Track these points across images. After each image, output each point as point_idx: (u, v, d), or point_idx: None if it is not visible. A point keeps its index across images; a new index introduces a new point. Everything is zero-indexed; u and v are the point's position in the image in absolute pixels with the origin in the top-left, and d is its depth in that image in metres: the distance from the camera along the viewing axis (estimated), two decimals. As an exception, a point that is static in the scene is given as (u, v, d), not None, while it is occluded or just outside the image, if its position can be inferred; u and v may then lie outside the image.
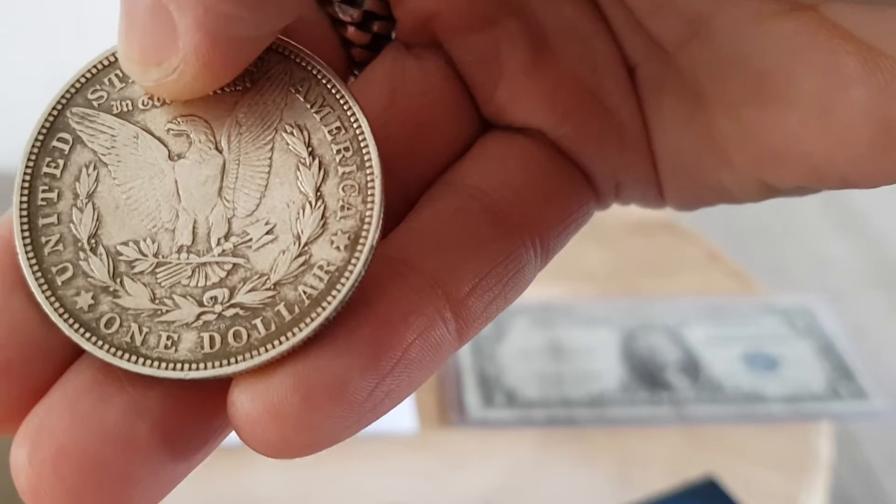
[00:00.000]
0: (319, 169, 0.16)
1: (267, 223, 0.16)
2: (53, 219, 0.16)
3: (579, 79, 0.19)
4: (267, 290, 0.16)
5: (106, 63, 0.17)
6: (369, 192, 0.16)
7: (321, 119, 0.17)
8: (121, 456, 0.15)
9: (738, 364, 0.66)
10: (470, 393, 0.63)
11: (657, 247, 0.79)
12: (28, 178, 0.16)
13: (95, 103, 0.17)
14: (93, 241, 0.16)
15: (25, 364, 0.15)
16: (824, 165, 0.17)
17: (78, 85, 0.17)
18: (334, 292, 0.16)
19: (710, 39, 0.18)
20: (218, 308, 0.16)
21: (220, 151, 0.17)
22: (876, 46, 0.16)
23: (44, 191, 0.16)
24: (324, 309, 0.15)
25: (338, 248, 0.16)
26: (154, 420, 0.15)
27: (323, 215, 0.16)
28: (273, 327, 0.15)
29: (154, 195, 0.16)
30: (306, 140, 0.17)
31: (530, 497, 0.58)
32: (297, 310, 0.16)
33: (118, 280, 0.16)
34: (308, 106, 0.17)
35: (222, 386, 0.15)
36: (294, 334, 0.15)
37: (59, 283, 0.16)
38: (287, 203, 0.16)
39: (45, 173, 0.16)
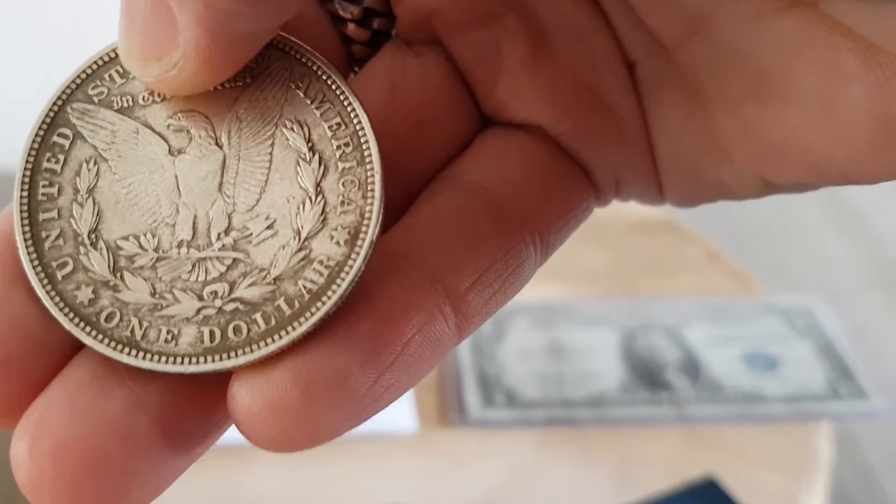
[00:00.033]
0: (319, 164, 0.17)
1: (267, 218, 0.16)
2: (54, 213, 0.16)
3: (579, 75, 0.19)
4: (267, 284, 0.16)
5: (106, 59, 0.17)
6: (369, 188, 0.16)
7: (321, 115, 0.17)
8: (121, 449, 0.15)
9: (738, 364, 0.66)
10: (470, 393, 0.63)
11: (657, 247, 0.79)
12: (28, 173, 0.16)
13: (96, 99, 0.17)
14: (93, 235, 0.16)
15: (26, 358, 0.15)
16: (824, 162, 0.17)
17: (78, 81, 0.17)
18: (334, 287, 0.16)
19: (710, 36, 0.18)
20: (218, 302, 0.16)
21: (221, 147, 0.17)
22: (876, 43, 0.16)
23: (44, 186, 0.16)
24: (324, 303, 0.16)
25: (338, 243, 0.16)
26: (154, 414, 0.15)
27: (323, 210, 0.16)
28: (273, 322, 0.16)
29: (154, 190, 0.16)
30: (306, 136, 0.17)
31: (530, 497, 0.58)
32: (297, 304, 0.16)
33: (118, 274, 0.16)
34: (308, 102, 0.17)
35: (222, 380, 0.15)
36: (294, 329, 0.15)
37: (60, 278, 0.16)
38: (287, 198, 0.16)
39: (45, 168, 0.16)
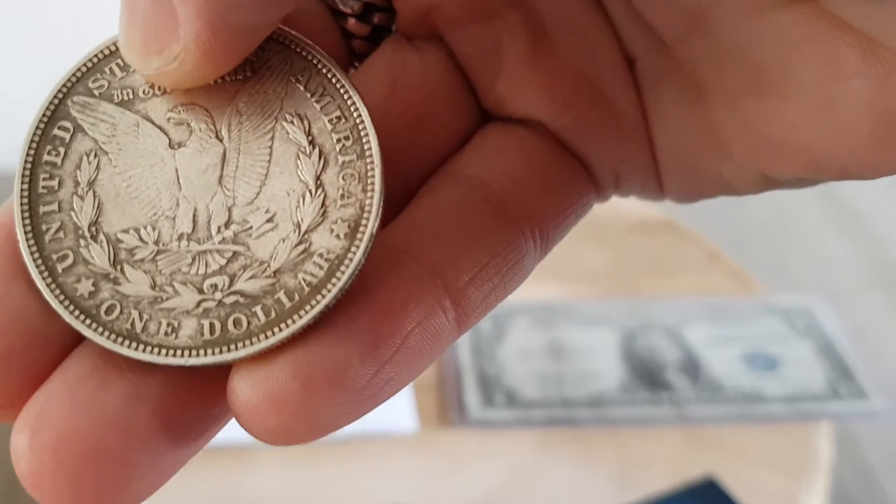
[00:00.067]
0: (319, 158, 0.17)
1: (267, 211, 0.16)
2: (54, 206, 0.16)
3: (579, 70, 0.19)
4: (267, 277, 0.16)
5: (107, 52, 0.17)
6: (369, 181, 0.16)
7: (321, 108, 0.17)
8: (121, 442, 0.15)
9: (738, 364, 0.66)
10: (470, 393, 0.63)
11: (657, 247, 0.79)
12: (29, 166, 0.16)
13: (96, 92, 0.17)
14: (93, 228, 0.16)
15: (26, 351, 0.15)
16: (824, 157, 0.17)
17: (79, 74, 0.17)
18: (334, 280, 0.16)
19: (710, 31, 0.18)
20: (218, 295, 0.16)
21: (221, 140, 0.17)
22: (875, 38, 0.16)
23: (45, 179, 0.16)
24: (323, 296, 0.16)
25: (338, 236, 0.16)
26: (154, 406, 0.15)
27: (323, 204, 0.16)
28: (273, 314, 0.16)
29: (154, 183, 0.16)
30: (306, 129, 0.17)
31: (530, 497, 0.58)
32: (296, 297, 0.16)
33: (118, 267, 0.16)
34: (308, 95, 0.17)
35: (222, 373, 0.15)
36: (294, 321, 0.15)
37: (60, 271, 0.16)
38: (287, 191, 0.16)
39: (46, 161, 0.16)
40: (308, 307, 0.15)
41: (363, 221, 0.16)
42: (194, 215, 0.16)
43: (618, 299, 0.72)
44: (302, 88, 0.17)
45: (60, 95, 0.17)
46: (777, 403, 0.63)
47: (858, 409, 0.64)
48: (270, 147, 0.17)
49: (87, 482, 0.15)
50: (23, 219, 0.16)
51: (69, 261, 0.16)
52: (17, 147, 0.17)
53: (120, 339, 0.15)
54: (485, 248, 0.17)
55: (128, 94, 0.17)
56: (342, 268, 0.16)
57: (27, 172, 0.16)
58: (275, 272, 0.16)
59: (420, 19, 0.19)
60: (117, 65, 0.17)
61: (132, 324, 0.16)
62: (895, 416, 0.64)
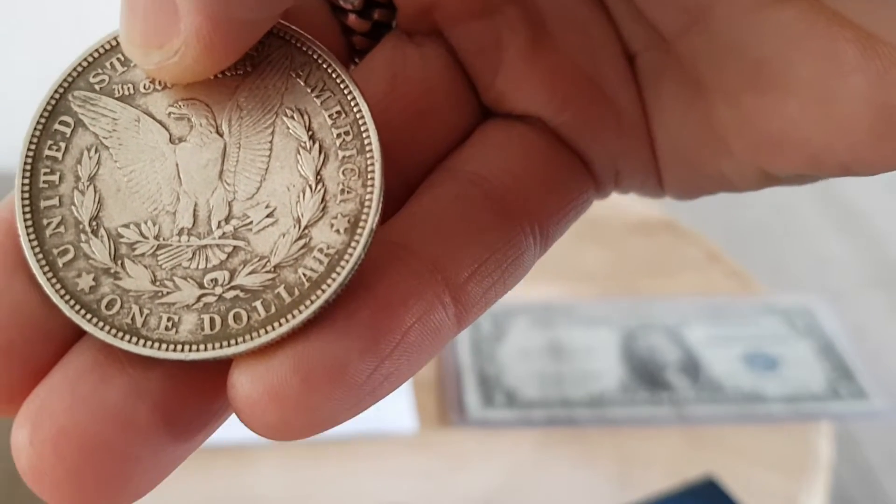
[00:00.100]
0: (320, 153, 0.17)
1: (267, 206, 0.16)
2: (55, 201, 0.16)
3: (579, 67, 0.19)
4: (267, 272, 0.16)
5: (108, 47, 0.17)
6: (369, 176, 0.16)
7: (321, 103, 0.17)
8: (121, 436, 0.15)
9: (738, 364, 0.66)
10: (470, 393, 0.63)
11: (657, 247, 0.79)
12: (30, 160, 0.16)
13: (97, 87, 0.17)
14: (94, 223, 0.16)
15: (26, 345, 0.15)
16: (823, 152, 0.17)
17: (80, 69, 0.17)
18: (334, 275, 0.16)
19: (710, 27, 0.18)
20: (218, 290, 0.16)
21: (221, 135, 0.17)
22: (874, 33, 0.16)
23: (45, 173, 0.16)
24: (323, 291, 0.16)
25: (338, 231, 0.16)
26: (154, 401, 0.15)
27: (323, 199, 0.16)
28: (273, 309, 0.16)
29: (155, 178, 0.16)
30: (307, 124, 0.17)
31: (530, 497, 0.58)
32: (296, 292, 0.16)
33: (119, 262, 0.16)
34: (308, 90, 0.17)
35: (222, 368, 0.16)
36: (294, 316, 0.15)
37: (61, 265, 0.16)
38: (287, 186, 0.16)
39: (46, 156, 0.16)
40: (308, 302, 0.15)
41: (363, 216, 0.16)
42: (195, 210, 0.16)
43: (618, 299, 0.72)
44: (302, 83, 0.17)
45: (61, 90, 0.17)
46: (777, 403, 0.63)
47: (858, 409, 0.64)
48: (271, 142, 0.17)
49: (88, 476, 0.15)
50: (23, 213, 0.16)
51: (70, 255, 0.16)
52: (17, 147, 0.17)
53: (120, 334, 0.15)
54: (484, 244, 0.17)
55: (128, 88, 0.17)
56: (342, 263, 0.16)
57: (28, 167, 0.16)
58: (275, 267, 0.16)
59: (420, 15, 0.19)
60: (118, 60, 0.17)
61: (133, 318, 0.16)
62: (895, 416, 0.64)
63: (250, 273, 0.16)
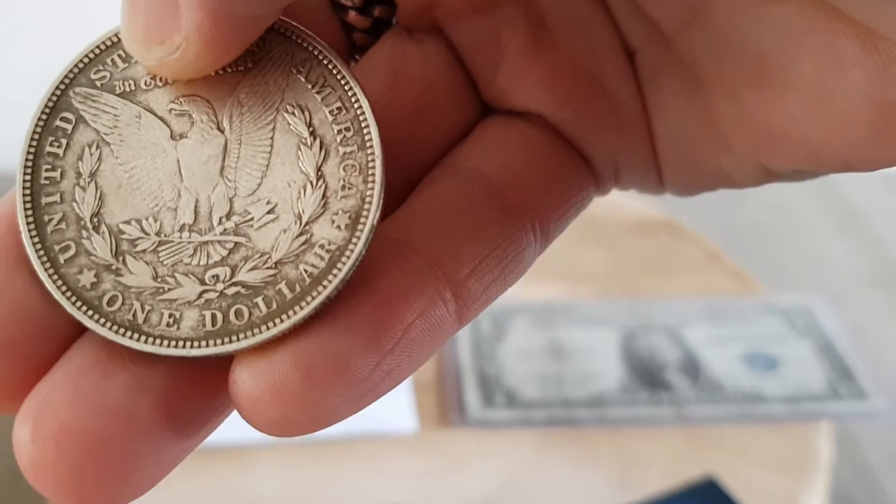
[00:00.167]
0: (320, 149, 0.17)
1: (268, 202, 0.16)
2: (56, 197, 0.16)
3: (579, 63, 0.19)
4: (268, 268, 0.16)
5: (109, 44, 0.17)
6: (370, 172, 0.16)
7: (322, 99, 0.17)
8: (123, 433, 0.15)
9: (738, 364, 0.66)
10: (470, 393, 0.63)
11: (657, 247, 0.78)
12: (31, 157, 0.16)
13: (98, 83, 0.17)
14: (95, 219, 0.16)
15: (28, 342, 0.15)
16: (823, 148, 0.17)
17: (81, 65, 0.17)
18: (335, 271, 0.16)
19: (709, 23, 0.18)
20: (219, 286, 0.16)
21: (222, 131, 0.17)
22: (874, 29, 0.16)
23: (47, 170, 0.16)
24: (325, 287, 0.16)
25: (339, 227, 0.16)
26: (156, 397, 0.15)
27: (324, 195, 0.16)
28: (274, 305, 0.16)
29: (156, 174, 0.17)
30: (307, 120, 0.17)
31: (530, 497, 0.58)
32: (298, 288, 0.16)
33: (120, 258, 0.16)
34: (309, 86, 0.17)
35: (224, 364, 0.16)
36: (295, 312, 0.15)
37: (62, 262, 0.16)
38: (288, 182, 0.16)
39: (48, 152, 0.16)
40: (309, 298, 0.16)
41: (364, 212, 0.16)
42: (196, 206, 0.16)
43: (618, 299, 0.72)
44: (303, 79, 0.17)
45: (62, 87, 0.17)
46: (777, 403, 0.63)
47: (858, 409, 0.64)
48: (271, 138, 0.17)
49: (90, 473, 0.15)
50: (25, 210, 0.16)
51: (71, 252, 0.16)
52: (17, 147, 0.17)
53: (122, 330, 0.15)
54: (485, 241, 0.17)
55: (129, 85, 0.17)
56: (343, 259, 0.16)
57: (29, 163, 0.16)
58: (276, 263, 0.16)
59: (420, 12, 0.19)
60: (119, 56, 0.17)
61: (134, 315, 0.16)
62: (895, 416, 0.64)
63: (251, 269, 0.16)
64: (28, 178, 0.16)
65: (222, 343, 0.15)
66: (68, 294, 0.16)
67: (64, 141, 0.17)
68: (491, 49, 0.19)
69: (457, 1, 0.19)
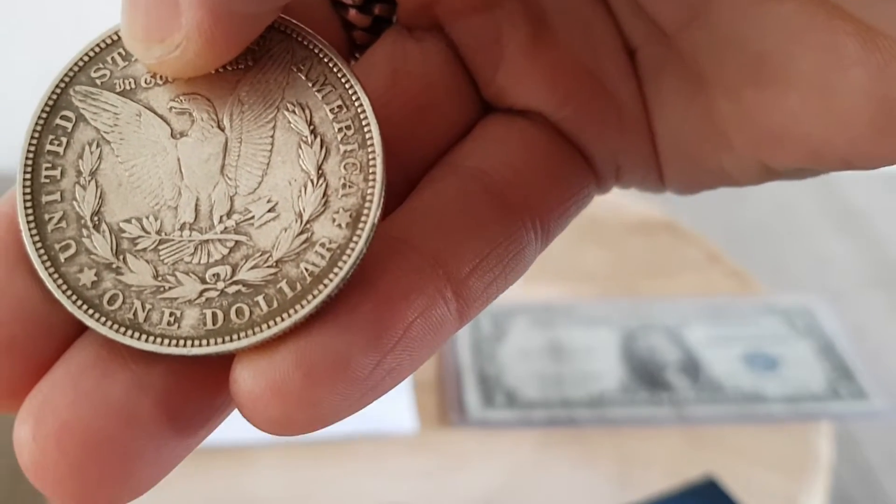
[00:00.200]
0: (321, 147, 0.17)
1: (269, 201, 0.16)
2: (56, 196, 0.16)
3: (580, 61, 0.19)
4: (269, 267, 0.16)
5: (109, 42, 0.17)
6: (371, 171, 0.16)
7: (323, 97, 0.17)
8: (124, 431, 0.15)
9: (738, 364, 0.66)
10: (470, 393, 0.63)
11: (657, 247, 0.78)
12: (31, 155, 0.16)
13: (98, 81, 0.17)
14: (96, 218, 0.16)
15: (28, 341, 0.15)
16: (824, 146, 0.17)
17: (81, 63, 0.17)
18: (336, 269, 0.16)
19: (710, 21, 0.18)
20: (220, 285, 0.16)
21: (223, 129, 0.17)
22: (875, 27, 0.16)
23: (47, 168, 0.16)
24: (325, 286, 0.16)
25: (339, 225, 0.16)
26: (157, 396, 0.15)
27: (325, 193, 0.16)
28: (275, 304, 0.16)
29: (157, 173, 0.16)
30: (308, 118, 0.17)
31: (530, 497, 0.58)
32: (298, 287, 0.16)
33: (121, 257, 0.16)
34: (310, 84, 0.17)
35: (225, 363, 0.15)
36: (296, 311, 0.15)
37: (62, 260, 0.16)
38: (289, 181, 0.16)
39: (48, 151, 0.16)
40: (310, 297, 0.15)
41: (365, 211, 0.16)
42: (196, 205, 0.16)
43: (618, 299, 0.72)
44: (303, 78, 0.17)
45: (62, 85, 0.17)
46: (777, 403, 0.63)
47: (858, 409, 0.64)
48: (272, 136, 0.17)
49: (90, 472, 0.15)
50: (25, 208, 0.16)
51: (71, 250, 0.16)
52: (17, 146, 0.17)
53: (122, 329, 0.15)
54: (486, 239, 0.17)
55: (130, 83, 0.17)
56: (344, 257, 0.16)
57: (30, 162, 0.16)
58: (277, 262, 0.16)
59: (421, 10, 0.19)
60: (119, 54, 0.17)
61: (135, 313, 0.16)
62: (895, 416, 0.64)
63: (252, 268, 0.16)
64: (28, 176, 0.16)
65: (223, 342, 0.15)
66: (69, 293, 0.16)
67: (64, 139, 0.17)
68: (491, 47, 0.19)
69: None
